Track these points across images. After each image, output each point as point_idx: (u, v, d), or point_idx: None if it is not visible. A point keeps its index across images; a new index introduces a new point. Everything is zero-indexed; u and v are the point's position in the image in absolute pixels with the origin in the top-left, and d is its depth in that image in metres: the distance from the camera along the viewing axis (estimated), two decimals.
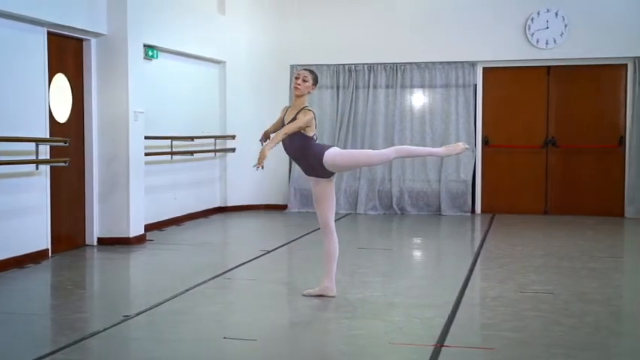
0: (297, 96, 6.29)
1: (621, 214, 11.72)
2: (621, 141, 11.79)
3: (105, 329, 5.42)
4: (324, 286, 6.40)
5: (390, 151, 6.32)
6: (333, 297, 6.33)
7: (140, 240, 9.23)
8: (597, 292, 6.61)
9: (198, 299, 6.43)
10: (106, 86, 9.00)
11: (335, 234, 6.49)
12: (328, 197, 6.45)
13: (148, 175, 9.75)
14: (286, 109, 6.46)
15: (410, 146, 6.85)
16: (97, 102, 9.00)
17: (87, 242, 9.04)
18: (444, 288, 6.79)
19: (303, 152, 6.28)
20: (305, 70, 6.37)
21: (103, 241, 9.06)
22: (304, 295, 6.40)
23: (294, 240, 9.69)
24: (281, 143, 6.27)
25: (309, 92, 6.30)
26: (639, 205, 11.61)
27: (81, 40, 8.88)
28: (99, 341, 5.20)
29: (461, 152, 6.27)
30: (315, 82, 6.33)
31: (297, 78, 6.29)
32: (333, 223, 6.51)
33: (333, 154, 6.23)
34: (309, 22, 12.57)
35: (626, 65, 11.71)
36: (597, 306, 6.09)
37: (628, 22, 11.48)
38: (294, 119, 6.18)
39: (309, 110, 6.24)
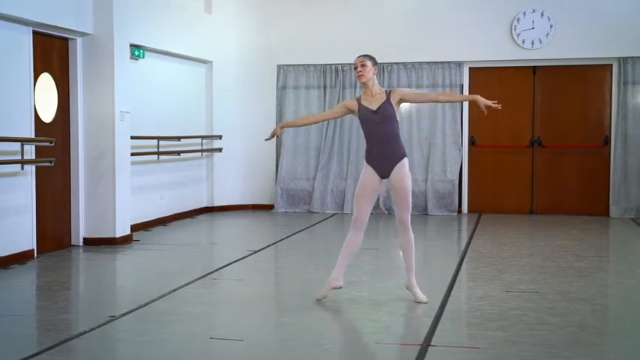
0: (365, 83, 6.18)
1: (606, 214, 11.79)
2: (606, 141, 11.86)
3: (91, 330, 5.40)
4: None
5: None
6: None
7: (126, 240, 9.20)
8: (582, 291, 6.65)
9: (184, 299, 6.42)
10: (92, 86, 8.96)
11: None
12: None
13: (135, 175, 9.72)
14: (358, 101, 6.22)
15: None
16: (83, 102, 8.97)
17: (73, 242, 9.01)
18: (431, 287, 6.80)
19: (392, 140, 6.18)
20: (359, 56, 6.25)
21: (88, 242, 9.02)
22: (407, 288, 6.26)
23: (280, 240, 9.69)
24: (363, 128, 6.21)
25: (374, 74, 6.20)
26: (624, 205, 11.68)
27: (66, 40, 8.84)
28: (84, 342, 5.18)
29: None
30: (375, 62, 6.21)
31: (355, 68, 6.19)
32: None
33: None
34: (296, 21, 12.58)
35: (611, 65, 11.78)
36: (582, 305, 6.12)
37: (613, 22, 11.54)
38: (390, 100, 6.13)
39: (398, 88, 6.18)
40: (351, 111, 6.26)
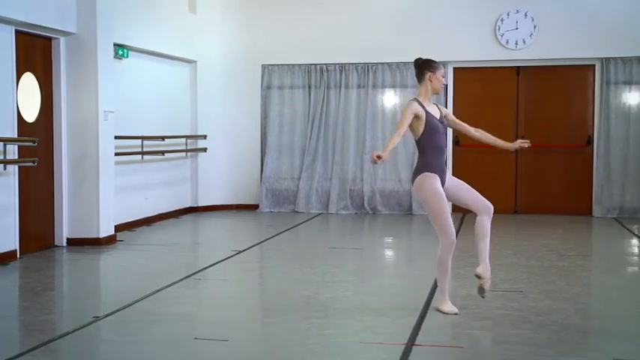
0: (437, 94, 6.07)
1: (589, 213, 11.86)
2: (589, 141, 11.94)
3: (74, 330, 5.37)
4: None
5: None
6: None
7: (110, 240, 9.16)
8: (565, 290, 6.69)
9: (168, 300, 6.40)
10: (76, 85, 8.92)
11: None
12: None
13: (119, 175, 9.68)
14: (420, 105, 5.80)
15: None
16: (67, 101, 8.92)
17: (56, 243, 8.96)
18: (415, 287, 6.83)
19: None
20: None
21: (72, 242, 8.98)
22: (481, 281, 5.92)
23: (265, 240, 9.68)
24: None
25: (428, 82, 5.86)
26: (607, 204, 11.76)
27: (50, 39, 8.79)
28: (68, 342, 5.15)
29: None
30: (422, 70, 5.87)
31: (444, 76, 5.96)
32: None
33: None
34: (281, 21, 12.57)
35: (594, 66, 11.86)
36: (565, 304, 6.16)
37: (596, 23, 11.62)
38: (442, 114, 5.94)
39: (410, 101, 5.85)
40: (417, 117, 5.78)
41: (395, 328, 5.44)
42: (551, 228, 10.60)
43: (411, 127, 5.84)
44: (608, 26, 11.58)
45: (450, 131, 12.20)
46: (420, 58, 5.96)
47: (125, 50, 10.08)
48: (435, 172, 5.86)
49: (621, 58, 11.63)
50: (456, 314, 5.77)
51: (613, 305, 6.29)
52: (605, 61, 11.69)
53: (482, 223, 6.03)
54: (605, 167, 11.72)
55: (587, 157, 11.96)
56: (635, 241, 9.89)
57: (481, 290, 5.86)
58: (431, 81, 5.85)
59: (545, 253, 8.57)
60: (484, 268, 5.83)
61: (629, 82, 11.68)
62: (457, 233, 10.14)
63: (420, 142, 5.88)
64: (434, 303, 6.01)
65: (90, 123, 8.93)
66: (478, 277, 5.83)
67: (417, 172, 5.89)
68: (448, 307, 5.84)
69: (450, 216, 5.95)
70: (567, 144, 12.00)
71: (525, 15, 11.81)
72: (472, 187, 6.15)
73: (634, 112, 11.68)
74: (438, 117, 5.88)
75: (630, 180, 11.69)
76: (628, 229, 10.55)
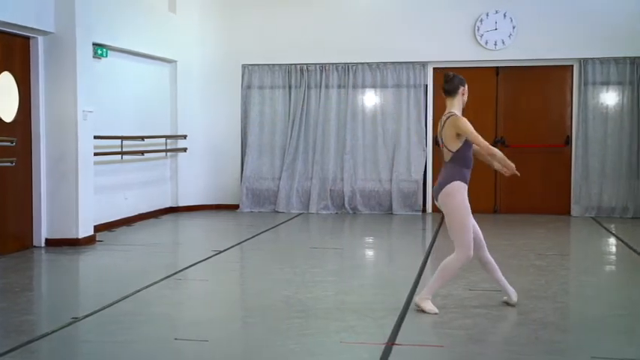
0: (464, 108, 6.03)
1: (568, 213, 11.96)
2: (567, 141, 12.03)
3: (53, 331, 5.34)
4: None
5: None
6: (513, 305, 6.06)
7: (89, 241, 9.11)
8: (544, 289, 6.74)
9: (149, 300, 6.38)
10: (54, 85, 8.86)
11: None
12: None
13: (98, 175, 9.63)
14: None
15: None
16: (45, 101, 8.86)
17: (34, 244, 8.89)
18: (396, 287, 6.85)
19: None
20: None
21: (51, 243, 8.91)
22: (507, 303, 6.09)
23: (246, 240, 9.67)
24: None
25: (460, 96, 6.00)
26: (585, 204, 11.86)
27: (28, 39, 8.72)
28: (47, 344, 5.12)
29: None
30: (456, 84, 5.98)
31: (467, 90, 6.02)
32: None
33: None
34: (261, 21, 12.56)
35: (572, 66, 11.96)
36: (544, 303, 6.21)
37: (574, 24, 11.71)
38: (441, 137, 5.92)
39: (458, 117, 5.87)
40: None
41: (375, 328, 5.46)
42: (531, 227, 10.67)
43: (451, 138, 5.85)
44: (586, 27, 11.68)
45: (429, 131, 12.31)
46: (451, 73, 6.07)
47: (104, 50, 10.03)
48: (467, 185, 5.94)
49: (599, 58, 11.74)
50: (436, 314, 5.80)
51: (591, 304, 6.34)
52: (584, 62, 11.79)
53: (487, 258, 6.15)
54: (583, 167, 11.82)
55: (565, 157, 12.05)
56: (612, 240, 9.98)
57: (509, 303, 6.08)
58: (463, 94, 6.00)
59: (524, 253, 8.62)
60: (513, 293, 6.10)
61: (606, 83, 11.79)
62: (437, 232, 10.23)
63: (457, 154, 5.88)
64: (415, 301, 6.02)
65: (69, 123, 8.87)
66: (512, 304, 6.04)
67: (450, 179, 5.87)
68: (430, 306, 5.88)
69: (471, 230, 5.93)
70: (546, 144, 12.09)
71: (504, 15, 11.89)
72: None
73: (611, 113, 11.79)
74: None
75: (608, 180, 11.80)
76: (606, 229, 10.65)
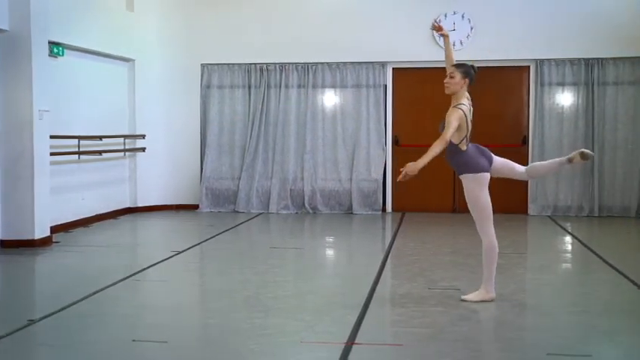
0: (448, 94, 6.07)
1: (525, 212, 12.12)
2: (524, 140, 12.20)
3: (8, 334, 5.25)
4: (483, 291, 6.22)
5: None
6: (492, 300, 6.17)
7: (46, 242, 8.97)
8: (501, 287, 6.81)
9: (106, 302, 6.31)
10: (9, 84, 8.71)
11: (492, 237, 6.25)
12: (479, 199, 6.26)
13: (55, 175, 9.50)
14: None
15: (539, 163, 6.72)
16: (0, 100, 8.70)
17: None
18: (355, 286, 6.88)
19: (449, 154, 6.09)
20: (453, 65, 6.12)
21: (6, 244, 8.76)
22: (463, 300, 6.17)
23: (205, 240, 9.62)
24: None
25: (461, 87, 6.03)
26: (542, 203, 12.04)
27: None
28: (2, 346, 5.04)
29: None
30: (466, 74, 6.03)
31: (445, 76, 6.07)
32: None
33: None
34: (221, 20, 12.50)
35: (528, 67, 12.13)
36: (501, 300, 6.28)
37: (530, 25, 11.88)
38: (443, 123, 5.93)
39: (457, 108, 5.93)
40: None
41: (335, 327, 5.47)
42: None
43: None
44: (543, 29, 11.86)
45: (389, 131, 12.38)
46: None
47: (60, 48, 9.89)
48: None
49: (555, 59, 11.93)
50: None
51: (547, 301, 6.44)
52: (540, 63, 11.97)
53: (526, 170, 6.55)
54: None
55: (522, 157, 12.16)
56: (568, 238, 10.14)
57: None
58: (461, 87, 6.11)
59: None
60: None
61: (562, 84, 11.98)
62: (397, 232, 10.30)
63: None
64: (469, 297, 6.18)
65: (24, 122, 8.73)
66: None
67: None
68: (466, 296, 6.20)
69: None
70: (503, 144, 12.21)
71: (462, 16, 12.01)
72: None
73: (567, 113, 11.99)
74: (443, 119, 6.05)
75: (563, 179, 12.00)
76: (562, 227, 10.83)
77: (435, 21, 5.99)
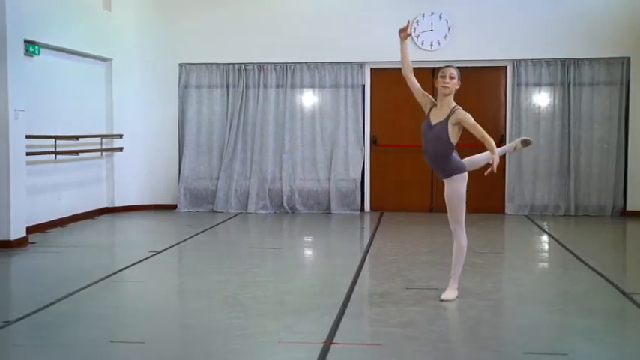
0: (446, 95, 6.13)
1: (502, 211, 12.20)
2: (502, 140, 12.26)
3: None
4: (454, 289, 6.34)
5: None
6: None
7: (22, 243, 8.90)
8: (478, 286, 6.87)
9: (83, 302, 6.27)
10: None
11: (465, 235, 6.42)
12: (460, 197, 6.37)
13: (31, 175, 9.42)
14: (432, 103, 6.25)
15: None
16: None
17: None
18: (334, 286, 6.89)
19: (440, 158, 6.22)
20: (449, 66, 6.21)
21: None
22: (442, 300, 6.21)
23: (184, 240, 9.59)
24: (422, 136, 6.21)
25: (455, 89, 6.19)
26: (519, 202, 12.13)
27: None
28: None
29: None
30: (460, 77, 6.21)
31: (443, 76, 6.11)
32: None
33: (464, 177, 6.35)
34: (199, 20, 12.46)
35: (505, 67, 12.21)
36: (478, 300, 6.33)
37: (507, 25, 11.96)
38: (448, 121, 6.16)
39: (464, 111, 6.18)
40: (425, 105, 6.31)
41: (313, 327, 5.48)
42: (466, 226, 10.80)
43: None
44: (519, 29, 11.95)
45: (367, 130, 12.41)
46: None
47: (36, 47, 9.81)
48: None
49: (531, 60, 12.02)
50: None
51: (524, 300, 6.49)
52: (516, 63, 12.05)
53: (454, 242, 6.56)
54: (516, 166, 12.08)
55: (500, 157, 12.26)
56: (544, 237, 10.22)
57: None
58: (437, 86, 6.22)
59: None
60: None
61: (538, 84, 12.08)
62: (375, 231, 10.32)
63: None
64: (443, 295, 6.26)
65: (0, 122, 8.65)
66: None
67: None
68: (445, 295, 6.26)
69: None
70: (480, 144, 12.24)
71: (440, 17, 12.06)
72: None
73: (544, 113, 12.08)
74: (433, 124, 6.19)
75: (540, 179, 12.10)
76: (538, 226, 10.92)
77: (407, 26, 6.09)
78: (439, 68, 6.09)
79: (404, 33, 6.35)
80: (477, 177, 12.78)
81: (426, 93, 6.36)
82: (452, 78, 6.16)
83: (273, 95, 12.42)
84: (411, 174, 12.39)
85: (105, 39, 11.64)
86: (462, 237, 6.37)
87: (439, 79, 6.18)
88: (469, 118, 6.07)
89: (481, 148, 6.28)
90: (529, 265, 8.17)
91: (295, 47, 12.29)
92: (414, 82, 6.28)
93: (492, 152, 6.08)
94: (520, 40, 11.96)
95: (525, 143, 6.75)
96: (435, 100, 6.29)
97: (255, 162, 12.37)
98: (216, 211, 12.29)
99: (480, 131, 6.01)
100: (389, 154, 12.46)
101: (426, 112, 6.28)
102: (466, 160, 6.51)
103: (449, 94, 6.18)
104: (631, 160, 11.89)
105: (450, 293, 6.29)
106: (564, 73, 11.96)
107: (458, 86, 6.23)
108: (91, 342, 5.18)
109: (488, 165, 6.07)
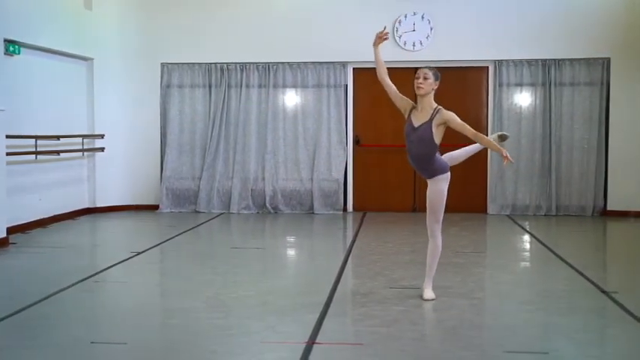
0: (421, 95, 6.15)
1: (484, 211, 12.26)
2: None
3: None
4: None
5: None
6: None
7: (2, 243, 8.83)
8: (461, 286, 6.90)
9: (65, 303, 6.23)
10: None
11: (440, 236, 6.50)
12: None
13: (11, 175, 9.34)
14: (412, 108, 6.30)
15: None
16: None
17: None
18: (317, 286, 6.89)
19: (424, 159, 6.26)
20: (425, 67, 6.24)
21: None
22: (426, 300, 6.25)
23: (166, 241, 9.55)
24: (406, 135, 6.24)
25: (432, 89, 6.21)
26: (501, 202, 12.19)
27: None
28: None
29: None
30: (437, 77, 6.22)
31: (417, 77, 6.14)
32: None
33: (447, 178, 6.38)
34: (181, 19, 12.41)
35: (487, 68, 12.27)
36: (460, 299, 6.35)
37: (489, 26, 12.02)
38: (432, 122, 6.20)
39: (448, 110, 6.22)
40: (404, 109, 6.34)
41: (296, 327, 5.48)
42: (448, 226, 10.80)
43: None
44: (501, 30, 12.00)
45: (350, 130, 12.42)
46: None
47: (16, 46, 9.73)
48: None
49: (513, 60, 12.08)
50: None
51: (505, 300, 6.52)
52: (498, 64, 12.11)
53: (429, 242, 6.69)
54: (498, 166, 12.13)
55: (481, 157, 12.31)
56: (526, 237, 10.28)
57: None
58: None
59: (442, 251, 8.76)
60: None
61: (520, 84, 12.15)
62: (358, 231, 10.34)
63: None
64: (424, 295, 6.31)
65: None
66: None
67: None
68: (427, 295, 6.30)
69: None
70: (463, 143, 12.31)
71: (422, 17, 12.10)
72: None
73: (525, 113, 12.15)
74: (416, 126, 6.24)
75: (522, 179, 12.17)
76: (520, 226, 10.97)
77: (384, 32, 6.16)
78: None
79: (379, 39, 6.39)
80: (459, 177, 12.85)
81: (404, 96, 6.41)
82: (426, 79, 6.20)
83: (255, 95, 12.41)
84: (393, 174, 12.41)
85: (86, 38, 11.57)
86: (439, 237, 6.41)
87: (415, 80, 6.24)
88: (455, 118, 6.12)
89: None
90: (510, 265, 8.21)
91: (278, 47, 12.28)
92: (389, 85, 6.35)
93: (494, 149, 6.37)
94: (502, 41, 12.02)
95: (502, 138, 6.84)
96: (415, 102, 6.26)
97: (237, 162, 12.35)
98: (198, 212, 12.26)
99: (470, 130, 6.07)
100: (371, 154, 12.48)
101: (406, 115, 6.31)
102: (446, 157, 6.52)
103: (424, 95, 6.22)
104: (611, 161, 11.98)
105: (431, 293, 6.31)
106: (545, 73, 12.04)
107: (435, 87, 6.26)
108: (73, 343, 5.15)
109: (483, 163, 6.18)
